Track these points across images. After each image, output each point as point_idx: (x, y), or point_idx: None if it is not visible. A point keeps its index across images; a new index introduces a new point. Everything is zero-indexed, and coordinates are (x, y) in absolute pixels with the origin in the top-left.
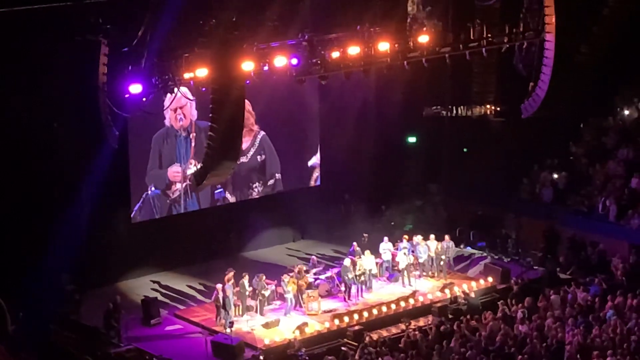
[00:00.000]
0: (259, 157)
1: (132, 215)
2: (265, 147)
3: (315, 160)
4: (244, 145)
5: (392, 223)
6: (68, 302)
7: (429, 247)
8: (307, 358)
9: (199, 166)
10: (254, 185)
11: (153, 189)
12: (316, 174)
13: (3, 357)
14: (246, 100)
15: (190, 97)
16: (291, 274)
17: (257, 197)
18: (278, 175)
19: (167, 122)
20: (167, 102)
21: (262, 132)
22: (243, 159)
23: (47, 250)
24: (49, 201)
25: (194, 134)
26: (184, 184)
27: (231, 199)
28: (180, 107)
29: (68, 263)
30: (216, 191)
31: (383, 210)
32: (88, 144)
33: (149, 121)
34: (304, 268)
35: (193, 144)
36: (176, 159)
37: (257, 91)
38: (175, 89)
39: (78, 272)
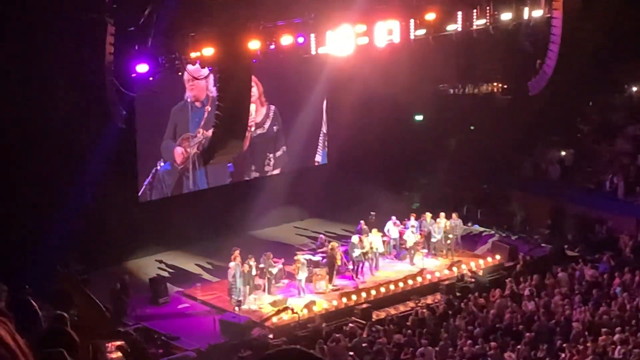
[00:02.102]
0: (274, 127)
1: (140, 192)
2: (279, 119)
3: (322, 138)
4: (260, 118)
5: (407, 193)
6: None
7: (438, 225)
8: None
9: (208, 136)
10: (270, 156)
11: (162, 164)
12: (323, 151)
13: (9, 332)
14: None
15: (199, 75)
16: (302, 253)
17: (270, 173)
18: (285, 148)
19: (187, 96)
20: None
21: (274, 106)
22: (259, 131)
23: (54, 230)
24: (55, 181)
25: (209, 108)
26: (192, 155)
27: (253, 174)
28: (193, 80)
29: (75, 243)
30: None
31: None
32: (94, 124)
33: (157, 99)
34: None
35: (205, 116)
36: (188, 129)
37: (264, 67)
38: (182, 68)
39: (86, 251)
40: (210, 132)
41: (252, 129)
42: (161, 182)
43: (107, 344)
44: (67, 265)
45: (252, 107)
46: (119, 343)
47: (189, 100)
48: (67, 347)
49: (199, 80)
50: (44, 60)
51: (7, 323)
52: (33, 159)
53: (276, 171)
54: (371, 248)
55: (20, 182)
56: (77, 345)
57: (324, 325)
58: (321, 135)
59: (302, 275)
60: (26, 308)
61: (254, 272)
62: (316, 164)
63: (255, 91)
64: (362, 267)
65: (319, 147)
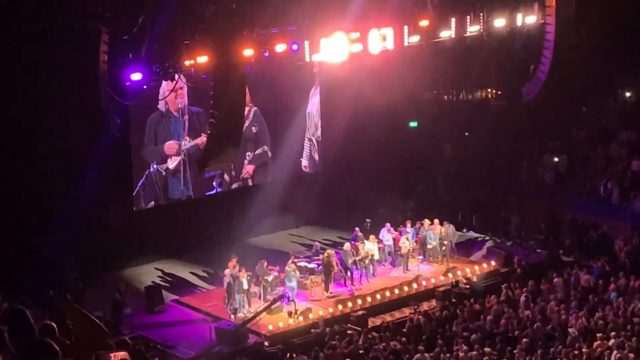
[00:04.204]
0: (253, 128)
1: (135, 192)
2: (258, 120)
3: (315, 144)
4: None
5: (412, 205)
6: (71, 290)
7: (434, 231)
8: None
9: (193, 142)
10: (247, 154)
11: (155, 165)
12: (317, 158)
13: None
14: None
15: (184, 82)
16: (295, 260)
17: (247, 172)
18: (267, 148)
19: (161, 107)
20: (165, 88)
21: (255, 107)
22: None
23: (50, 238)
24: (50, 190)
25: (187, 117)
26: (181, 157)
27: (226, 177)
28: (180, 88)
29: (72, 251)
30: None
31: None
32: (89, 131)
33: (149, 105)
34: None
35: (187, 125)
36: (171, 137)
37: (254, 71)
38: (176, 75)
39: (82, 260)
40: (198, 140)
41: None
42: (154, 184)
43: (110, 355)
44: (61, 283)
45: None
46: (122, 354)
47: (173, 108)
48: (49, 357)
49: (185, 86)
50: (38, 69)
51: None
52: (27, 168)
53: (251, 168)
54: (367, 256)
55: (16, 191)
56: (58, 355)
57: (328, 330)
58: (306, 141)
59: (291, 283)
60: (19, 317)
61: (245, 285)
62: (304, 169)
63: None
64: (360, 275)
65: (304, 152)
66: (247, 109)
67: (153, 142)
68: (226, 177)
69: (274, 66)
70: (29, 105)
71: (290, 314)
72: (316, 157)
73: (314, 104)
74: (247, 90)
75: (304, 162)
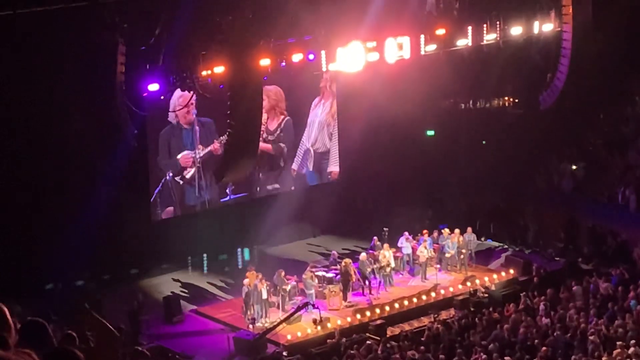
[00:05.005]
0: (280, 136)
1: (152, 200)
2: (288, 131)
3: (334, 155)
4: (273, 126)
5: (430, 217)
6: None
7: (452, 240)
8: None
9: (206, 150)
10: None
11: (170, 174)
12: (335, 167)
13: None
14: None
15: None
16: (313, 270)
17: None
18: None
19: (171, 119)
20: (177, 102)
21: (288, 117)
22: (270, 137)
23: (68, 249)
24: (68, 200)
25: (197, 128)
26: (196, 167)
27: (260, 175)
28: (192, 103)
29: (89, 262)
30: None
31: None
32: (107, 143)
33: (160, 117)
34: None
35: (198, 135)
36: (184, 147)
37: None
38: (186, 91)
39: (99, 271)
40: (211, 147)
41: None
42: (170, 191)
43: None
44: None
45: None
46: None
47: (184, 121)
48: None
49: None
50: (57, 80)
51: (32, 354)
52: (44, 177)
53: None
54: (387, 265)
55: (34, 202)
56: None
57: (344, 340)
58: (301, 146)
59: (309, 291)
60: (38, 329)
61: (264, 295)
62: (292, 172)
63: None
64: (378, 284)
65: (298, 159)
66: (281, 117)
67: (167, 154)
68: (260, 175)
69: (290, 76)
70: (46, 115)
71: (315, 321)
72: (310, 166)
73: (316, 115)
74: (284, 99)
75: (294, 165)
